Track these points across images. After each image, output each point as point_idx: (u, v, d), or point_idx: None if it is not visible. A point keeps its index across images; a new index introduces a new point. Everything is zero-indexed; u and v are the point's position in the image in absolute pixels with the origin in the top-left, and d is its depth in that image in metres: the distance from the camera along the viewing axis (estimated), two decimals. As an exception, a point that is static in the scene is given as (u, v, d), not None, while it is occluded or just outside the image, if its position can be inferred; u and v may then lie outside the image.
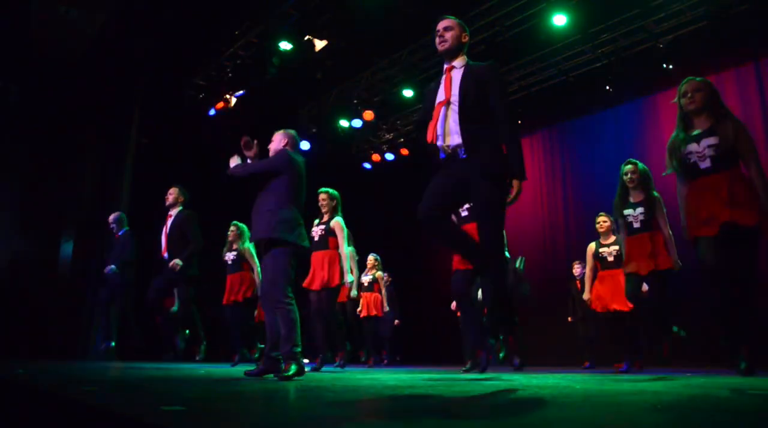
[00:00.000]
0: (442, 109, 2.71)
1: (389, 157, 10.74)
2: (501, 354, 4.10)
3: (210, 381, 3.14)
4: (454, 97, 2.70)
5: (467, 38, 2.87)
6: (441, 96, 2.75)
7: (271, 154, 3.83)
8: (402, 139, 10.59)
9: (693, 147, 2.83)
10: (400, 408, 1.89)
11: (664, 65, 7.44)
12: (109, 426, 1.47)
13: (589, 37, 7.65)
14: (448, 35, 2.81)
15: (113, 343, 6.35)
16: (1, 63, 7.88)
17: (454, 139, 2.65)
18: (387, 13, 7.15)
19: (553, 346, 7.92)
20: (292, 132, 3.92)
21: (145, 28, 7.65)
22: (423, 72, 8.64)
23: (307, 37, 7.67)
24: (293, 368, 3.35)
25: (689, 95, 2.89)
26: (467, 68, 2.77)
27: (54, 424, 1.79)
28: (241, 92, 8.87)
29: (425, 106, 2.88)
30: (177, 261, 5.20)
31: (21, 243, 8.18)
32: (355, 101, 9.60)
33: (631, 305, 4.84)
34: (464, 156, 2.63)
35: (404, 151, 10.53)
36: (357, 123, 9.78)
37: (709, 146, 2.77)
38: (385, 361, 7.85)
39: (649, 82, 7.96)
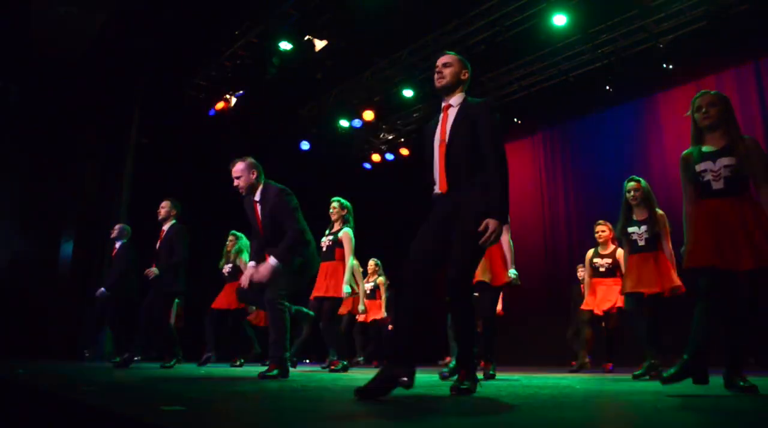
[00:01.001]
0: (441, 151, 2.64)
1: (389, 156, 10.73)
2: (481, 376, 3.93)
3: (210, 381, 3.15)
4: (448, 138, 2.63)
5: (467, 75, 2.77)
6: (438, 138, 2.69)
7: (243, 184, 3.72)
8: (402, 139, 10.57)
9: (708, 165, 2.70)
10: (400, 408, 1.89)
11: (664, 65, 7.43)
12: (109, 426, 1.47)
13: (589, 37, 7.64)
14: (447, 71, 2.71)
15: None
16: (1, 63, 7.87)
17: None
18: (387, 13, 7.13)
19: (553, 346, 7.90)
20: (252, 159, 3.81)
21: (145, 28, 7.64)
22: (423, 72, 8.63)
23: (307, 37, 7.65)
24: (276, 370, 3.50)
25: (704, 110, 2.74)
26: (463, 106, 2.69)
27: (54, 424, 1.79)
28: (240, 92, 8.86)
29: (425, 145, 2.80)
30: (153, 269, 5.20)
31: (21, 243, 8.17)
32: (355, 101, 9.60)
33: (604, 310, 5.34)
34: (445, 193, 2.58)
35: (404, 151, 10.52)
36: (357, 123, 9.77)
37: (726, 166, 2.65)
38: (376, 362, 7.84)
39: (649, 82, 7.95)
